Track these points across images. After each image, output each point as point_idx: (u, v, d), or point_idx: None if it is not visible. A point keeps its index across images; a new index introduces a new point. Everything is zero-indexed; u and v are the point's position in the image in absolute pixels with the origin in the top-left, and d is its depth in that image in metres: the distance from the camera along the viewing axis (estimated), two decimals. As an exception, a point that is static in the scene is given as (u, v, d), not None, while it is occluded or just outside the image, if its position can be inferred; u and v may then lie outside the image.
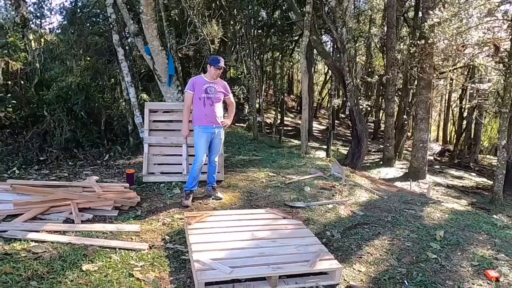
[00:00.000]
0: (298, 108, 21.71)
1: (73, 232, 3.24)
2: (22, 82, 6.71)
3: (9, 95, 6.21)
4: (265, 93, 16.42)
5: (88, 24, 7.36)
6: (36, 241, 2.99)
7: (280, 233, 3.26)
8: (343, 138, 17.77)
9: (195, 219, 3.41)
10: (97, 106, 6.65)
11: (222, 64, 4.08)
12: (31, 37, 7.13)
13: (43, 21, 7.41)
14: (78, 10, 7.19)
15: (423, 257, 3.18)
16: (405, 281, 2.80)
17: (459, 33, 9.25)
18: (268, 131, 14.03)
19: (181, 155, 5.08)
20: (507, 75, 8.36)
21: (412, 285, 2.76)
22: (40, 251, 2.84)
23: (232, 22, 11.12)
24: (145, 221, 3.66)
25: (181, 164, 5.06)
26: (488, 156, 18.91)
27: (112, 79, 7.67)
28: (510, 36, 8.34)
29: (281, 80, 15.64)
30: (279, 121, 16.78)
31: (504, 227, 4.10)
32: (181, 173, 5.01)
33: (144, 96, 7.97)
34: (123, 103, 6.94)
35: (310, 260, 2.75)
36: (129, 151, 6.48)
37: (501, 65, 9.64)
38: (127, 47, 7.01)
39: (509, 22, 8.53)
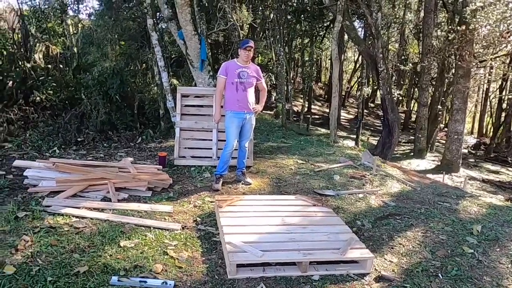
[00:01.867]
0: (326, 96, 21.31)
1: (110, 210, 3.39)
2: (61, 66, 6.98)
3: (49, 78, 6.49)
4: (293, 81, 16.21)
5: (123, 10, 7.49)
6: (77, 217, 3.16)
7: (310, 220, 3.25)
8: (372, 128, 17.34)
9: (225, 203, 3.47)
10: (130, 90, 6.83)
11: (251, 44, 4.07)
12: (69, 22, 7.36)
13: (81, 6, 7.63)
14: (115, -5, 7.33)
15: (459, 251, 3.08)
16: (439, 274, 2.74)
17: (504, 18, 8.67)
18: (296, 119, 13.90)
19: (211, 139, 5.15)
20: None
21: (447, 279, 2.69)
22: (81, 226, 2.99)
23: (262, 8, 10.96)
24: (177, 203, 3.76)
25: (211, 148, 5.13)
26: (528, 150, 17.84)
27: (144, 64, 7.82)
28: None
29: (310, 68, 15.34)
30: (306, 109, 16.57)
31: (547, 225, 3.89)
32: (211, 157, 5.09)
33: (174, 81, 8.10)
34: (155, 88, 7.08)
35: (341, 248, 2.74)
36: (160, 135, 6.64)
37: (549, 53, 8.99)
38: (159, 33, 7.10)
39: (561, 7, 7.89)
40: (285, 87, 11.46)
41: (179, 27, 5.75)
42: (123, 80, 6.43)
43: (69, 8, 7.49)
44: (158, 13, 7.01)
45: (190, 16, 5.50)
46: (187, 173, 4.79)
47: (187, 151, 5.18)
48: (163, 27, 7.92)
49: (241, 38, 9.24)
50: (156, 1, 6.20)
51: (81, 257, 2.57)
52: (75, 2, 7.43)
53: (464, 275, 2.73)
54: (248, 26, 9.32)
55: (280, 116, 10.12)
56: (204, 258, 2.77)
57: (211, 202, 3.80)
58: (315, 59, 18.08)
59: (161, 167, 4.59)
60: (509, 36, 9.61)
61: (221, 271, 2.62)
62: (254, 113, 4.31)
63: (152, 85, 7.28)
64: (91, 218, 3.16)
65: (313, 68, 17.54)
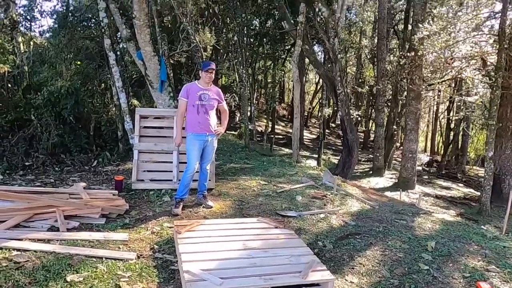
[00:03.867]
0: (289, 116, 21.78)
1: (57, 240, 3.13)
2: (10, 85, 6.56)
3: (-5, 98, 6.07)
4: (256, 101, 16.45)
5: (79, 28, 7.27)
6: (18, 250, 2.88)
7: (272, 243, 3.20)
8: (334, 148, 17.87)
9: (185, 228, 3.33)
10: (87, 111, 6.54)
11: (212, 66, 4.09)
12: (20, 39, 6.99)
13: (33, 24, 7.29)
14: (70, 14, 7.10)
15: (415, 268, 3.16)
16: (398, 293, 2.78)
17: (447, 46, 9.45)
18: (259, 139, 14.02)
19: (171, 162, 5.00)
20: (494, 88, 8.54)
21: (405, 297, 2.73)
22: (23, 260, 2.72)
23: (225, 30, 11.15)
24: (133, 230, 3.57)
25: (171, 171, 4.98)
26: (474, 167, 19.23)
27: (103, 84, 7.56)
28: (496, 51, 8.55)
29: (273, 89, 15.70)
30: (270, 129, 16.80)
31: (493, 238, 4.13)
32: (171, 180, 4.93)
33: (135, 102, 7.88)
34: (113, 109, 6.83)
35: (303, 271, 2.70)
36: (118, 158, 6.37)
37: (487, 78, 9.88)
38: (118, 52, 6.94)
39: (495, 37, 8.76)
40: (249, 108, 11.57)
41: (138, 48, 5.65)
42: (78, 100, 6.15)
43: (20, 25, 7.14)
44: (117, 33, 6.87)
45: (150, 37, 5.44)
46: (146, 197, 4.59)
47: (146, 174, 4.99)
48: (124, 46, 7.77)
49: (204, 59, 9.28)
50: (114, 21, 6.09)
51: (20, 296, 2.33)
52: (27, 19, 7.10)
53: (421, 293, 2.80)
54: (211, 47, 9.40)
55: (244, 137, 10.14)
56: (160, 289, 2.61)
57: (170, 228, 3.64)
58: (277, 81, 18.54)
59: (117, 192, 4.36)
60: (452, 62, 10.48)
61: (179, 302, 2.47)
62: (216, 135, 4.27)
63: (111, 105, 7.03)
64: (35, 251, 2.89)
65: (276, 89, 17.94)
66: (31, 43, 7.17)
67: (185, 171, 4.12)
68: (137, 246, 3.25)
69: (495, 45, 8.88)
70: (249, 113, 12.15)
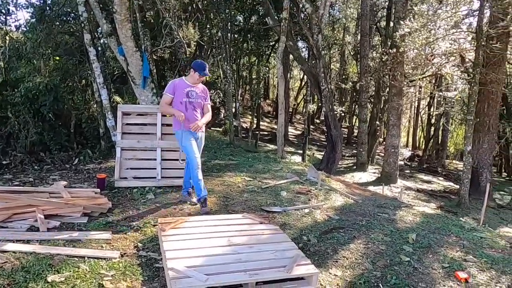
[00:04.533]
0: (274, 113, 21.85)
1: (37, 240, 3.06)
2: (-16, 81, 6.32)
3: (-31, 95, 5.84)
4: (241, 98, 16.42)
5: (57, 23, 7.05)
6: (-4, 251, 2.79)
7: (257, 239, 3.22)
8: (318, 143, 18.05)
9: (169, 225, 3.31)
10: (67, 108, 6.38)
11: (207, 72, 4.03)
12: (-5, 34, 6.75)
13: (8, 17, 7.02)
14: (47, 8, 6.87)
15: (397, 260, 3.24)
16: (380, 285, 2.84)
17: (428, 43, 9.67)
18: (244, 135, 14.01)
19: (155, 159, 4.95)
20: (472, 85, 8.78)
21: (387, 288, 2.80)
22: (1, 262, 2.65)
23: (208, 26, 11.05)
24: (116, 228, 3.51)
25: (155, 168, 4.93)
26: (454, 161, 19.80)
27: (83, 80, 7.39)
28: (474, 48, 8.78)
29: (258, 85, 15.70)
30: (255, 125, 16.81)
31: (471, 230, 4.27)
32: (155, 178, 4.88)
33: (117, 98, 7.73)
34: (95, 105, 6.69)
35: (287, 266, 2.73)
36: (100, 155, 6.25)
37: (466, 74, 10.16)
38: (99, 48, 6.78)
39: (473, 34, 8.99)
40: (233, 104, 11.53)
41: (119, 43, 5.54)
42: (57, 97, 5.99)
43: (-5, 19, 6.89)
44: (98, 28, 6.71)
45: (131, 32, 5.34)
46: (129, 195, 4.52)
47: (129, 171, 4.92)
48: (105, 41, 7.60)
49: (187, 55, 9.17)
50: (94, 16, 5.94)
51: (-2, 298, 2.26)
52: (2, 13, 6.84)
53: (402, 283, 2.87)
54: (195, 43, 9.32)
55: (229, 133, 10.12)
56: (144, 288, 2.59)
57: (154, 225, 3.61)
58: (262, 77, 18.54)
59: (99, 190, 4.29)
60: (433, 59, 10.72)
61: (163, 300, 2.46)
62: (202, 133, 4.23)
63: (92, 102, 6.88)
64: (14, 252, 2.82)
65: (261, 86, 17.94)
66: (7, 37, 6.91)
67: (192, 168, 3.99)
68: (121, 244, 3.20)
69: (473, 42, 9.13)
70: (234, 110, 12.12)
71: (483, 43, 8.28)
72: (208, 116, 4.27)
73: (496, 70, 9.05)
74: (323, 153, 11.57)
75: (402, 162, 15.98)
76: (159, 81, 6.51)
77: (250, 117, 16.49)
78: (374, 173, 12.18)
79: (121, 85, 8.81)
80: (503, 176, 17.13)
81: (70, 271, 2.64)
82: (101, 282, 2.56)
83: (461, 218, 5.63)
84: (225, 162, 6.70)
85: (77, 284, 2.51)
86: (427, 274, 3.06)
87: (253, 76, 17.24)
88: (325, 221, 4.06)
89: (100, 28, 6.29)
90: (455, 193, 10.15)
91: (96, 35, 6.84)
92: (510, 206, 9.96)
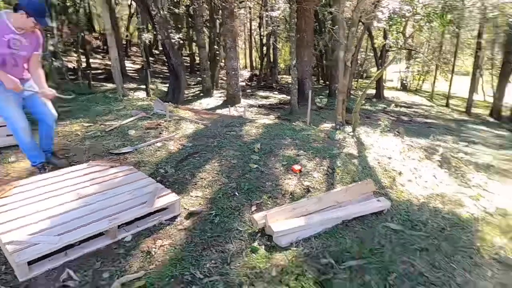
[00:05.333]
0: (105, 47, 19.33)
1: None
2: None
3: None
4: (59, 32, 13.61)
5: None
6: None
7: (109, 184, 3.03)
8: (162, 76, 17.30)
9: (-7, 197, 2.73)
10: None
11: (49, 21, 2.92)
12: None
13: None
14: None
15: (247, 169, 3.65)
16: (236, 193, 3.18)
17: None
18: (73, 77, 12.09)
19: None
20: (291, 3, 9.70)
21: (242, 194, 3.17)
22: None
23: None
24: None
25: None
26: (284, 76, 22.53)
27: None
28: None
29: (76, 15, 13.20)
30: (85, 64, 14.61)
31: (301, 130, 5.13)
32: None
33: None
34: None
35: (148, 201, 2.72)
36: None
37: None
38: None
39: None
40: (50, 41, 9.54)
41: None
42: None
43: None
44: None
45: None
46: None
47: None
48: None
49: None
50: None
51: None
52: None
53: (253, 187, 3.29)
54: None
55: (50, 77, 8.51)
56: (-23, 273, 2.16)
57: (-28, 201, 2.91)
58: (80, 5, 15.67)
59: None
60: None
61: (9, 277, 2.13)
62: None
63: None
64: None
65: (80, 15, 15.24)
66: None
67: (14, 132, 3.18)
68: None
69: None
70: (51, 47, 10.10)
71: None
72: (42, 74, 3.27)
73: (307, -12, 10.15)
74: (167, 85, 11.23)
75: (243, 83, 17.18)
76: None
77: (76, 54, 14.08)
78: (220, 97, 12.75)
79: None
80: (320, 83, 20.74)
81: None
82: None
83: (293, 123, 6.66)
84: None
85: None
86: (271, 174, 3.58)
87: (68, 4, 14.34)
88: (180, 150, 4.12)
89: None
90: (288, 103, 11.78)
91: None
92: (326, 107, 12.35)
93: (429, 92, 20.39)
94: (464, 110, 16.18)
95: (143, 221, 2.68)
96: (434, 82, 20.36)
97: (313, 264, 2.33)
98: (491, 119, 14.75)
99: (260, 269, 2.28)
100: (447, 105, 17.28)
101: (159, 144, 4.25)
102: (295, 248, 2.48)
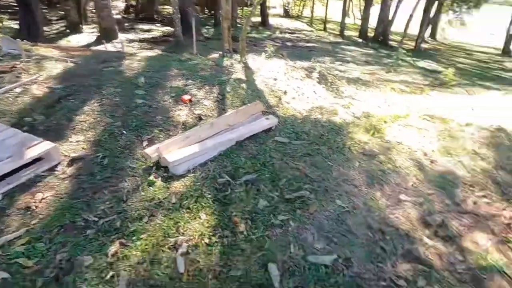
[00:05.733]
0: None
1: None
2: None
3: None
4: None
5: None
6: None
7: (-43, 142, 2.48)
8: (10, 10, 13.97)
9: None
10: None
11: None
12: None
13: None
14: None
15: (133, 105, 3.39)
16: (123, 131, 2.97)
17: None
18: None
19: None
20: None
21: (131, 132, 2.97)
22: None
23: None
24: None
25: None
26: (166, 6, 20.58)
27: None
28: None
29: None
30: None
31: (187, 60, 4.90)
32: None
33: None
34: None
35: (14, 153, 2.34)
36: None
37: None
38: None
39: None
40: None
41: None
42: None
43: None
44: None
45: None
46: None
47: None
48: None
49: None
50: None
51: None
52: None
53: (142, 123, 3.10)
54: None
55: None
56: None
57: None
58: None
59: None
60: None
61: None
62: None
63: None
64: None
65: None
66: None
67: None
68: None
69: None
70: None
71: None
72: None
73: None
74: (18, 22, 9.20)
75: (119, 16, 15.20)
76: None
77: None
78: (92, 33, 11.12)
79: None
80: (206, 12, 19.71)
81: None
82: None
83: (179, 55, 6.31)
84: None
85: None
86: (160, 107, 3.41)
87: None
88: (48, 94, 3.54)
89: None
90: (173, 35, 10.99)
91: None
92: (214, 37, 11.97)
93: (309, 18, 21.41)
94: (338, 33, 17.64)
95: (15, 177, 2.33)
96: (312, 7, 21.35)
97: (211, 185, 2.42)
98: (360, 40, 16.50)
99: (160, 199, 2.27)
100: (324, 29, 18.54)
101: (18, 90, 3.56)
102: (192, 174, 2.51)
